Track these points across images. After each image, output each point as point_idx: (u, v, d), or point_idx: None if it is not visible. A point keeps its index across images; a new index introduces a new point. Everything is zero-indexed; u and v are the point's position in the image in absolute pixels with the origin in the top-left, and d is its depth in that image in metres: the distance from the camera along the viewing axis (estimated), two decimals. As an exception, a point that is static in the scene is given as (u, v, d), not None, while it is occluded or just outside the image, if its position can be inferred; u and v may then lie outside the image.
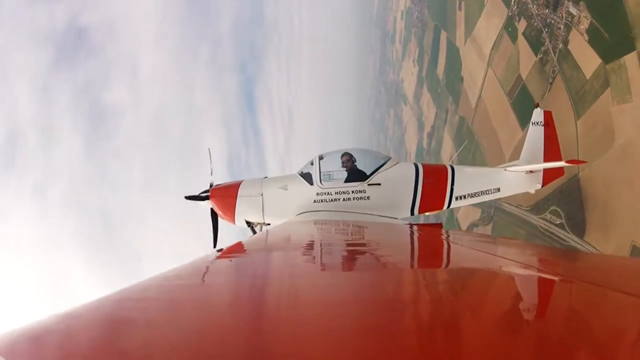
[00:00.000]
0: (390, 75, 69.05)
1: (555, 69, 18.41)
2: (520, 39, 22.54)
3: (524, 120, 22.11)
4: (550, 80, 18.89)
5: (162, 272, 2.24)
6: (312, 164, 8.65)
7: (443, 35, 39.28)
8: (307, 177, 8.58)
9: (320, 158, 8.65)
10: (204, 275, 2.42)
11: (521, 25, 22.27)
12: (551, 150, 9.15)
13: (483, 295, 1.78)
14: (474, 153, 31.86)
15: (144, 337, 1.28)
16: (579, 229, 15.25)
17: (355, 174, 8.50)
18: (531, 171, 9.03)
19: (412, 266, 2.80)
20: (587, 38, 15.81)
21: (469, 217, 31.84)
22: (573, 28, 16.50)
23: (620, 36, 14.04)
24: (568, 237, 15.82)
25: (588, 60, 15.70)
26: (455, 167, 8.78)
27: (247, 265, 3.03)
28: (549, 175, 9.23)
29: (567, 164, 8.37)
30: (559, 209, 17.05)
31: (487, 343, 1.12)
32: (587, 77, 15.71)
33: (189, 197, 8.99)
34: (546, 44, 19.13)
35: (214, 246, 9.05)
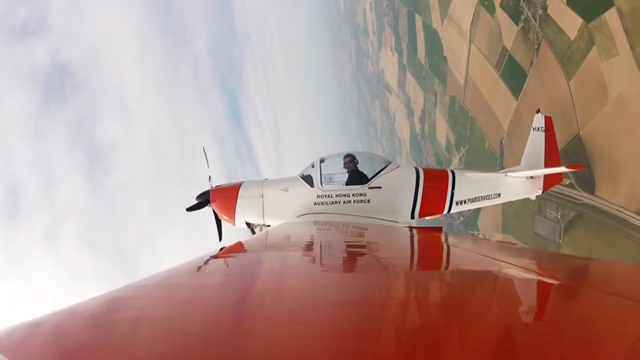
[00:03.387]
0: (369, 67, 69.89)
1: (538, 35, 19.45)
2: (499, 10, 23.57)
3: (516, 89, 23.15)
4: (536, 47, 19.91)
5: (162, 271, 2.36)
6: (313, 166, 8.97)
7: (418, 19, 40.30)
8: (308, 179, 8.88)
9: (322, 161, 8.96)
10: (203, 275, 2.52)
11: (497, -3, 23.36)
12: (552, 155, 9.45)
13: (481, 297, 1.89)
14: (471, 129, 32.80)
15: (144, 335, 1.36)
16: (589, 185, 16.24)
17: (356, 177, 8.83)
18: (532, 177, 9.36)
19: (410, 268, 2.94)
20: (564, 1, 16.88)
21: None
22: (549, -8, 17.62)
23: (597, -7, 15.10)
24: (579, 196, 16.81)
25: (569, 21, 16.75)
26: (456, 172, 9.15)
27: (245, 265, 3.16)
28: (549, 181, 9.60)
29: (567, 170, 8.82)
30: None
31: (484, 344, 1.19)
32: (572, 39, 16.74)
33: (190, 209, 9.22)
34: (525, 12, 20.19)
35: (219, 240, 9.39)
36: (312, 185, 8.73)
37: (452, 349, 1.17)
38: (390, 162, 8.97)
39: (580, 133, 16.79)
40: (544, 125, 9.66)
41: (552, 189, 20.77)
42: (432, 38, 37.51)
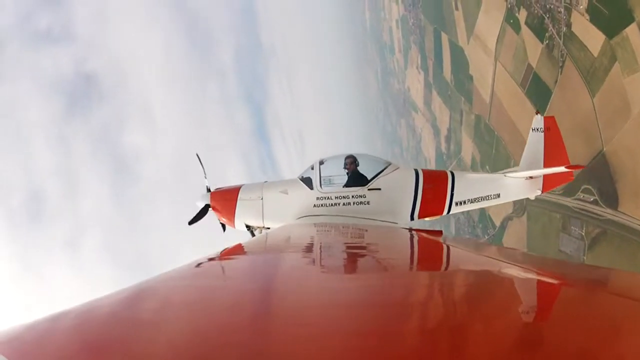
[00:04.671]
0: (395, 85, 70.31)
1: (563, 52, 19.78)
2: (524, 28, 23.96)
3: (541, 107, 23.33)
4: (561, 64, 20.23)
5: (163, 273, 2.41)
6: (312, 168, 9.05)
7: (444, 37, 40.76)
8: (308, 181, 8.96)
9: (321, 163, 9.06)
10: (202, 277, 2.58)
11: (522, 15, 23.74)
12: (553, 155, 9.49)
13: (479, 299, 1.92)
14: (496, 148, 32.93)
15: (144, 336, 1.38)
16: (612, 201, 16.40)
17: (355, 179, 8.91)
18: (531, 177, 9.45)
19: (410, 269, 3.03)
20: (588, 17, 17.27)
21: (502, 212, 32.56)
22: (573, 10, 18.01)
23: (619, 10, 15.44)
24: (603, 212, 16.96)
25: (593, 38, 17.11)
26: (456, 173, 9.27)
27: (245, 267, 3.26)
28: (554, 181, 9.69)
29: (566, 169, 8.87)
30: (590, 187, 18.21)
31: (484, 346, 1.21)
32: (595, 55, 17.08)
33: (192, 222, 9.31)
34: (550, 29, 20.57)
35: (224, 230, 9.55)
36: (311, 188, 8.85)
37: (455, 349, 1.21)
38: (390, 164, 9.08)
39: (604, 149, 17.01)
40: (542, 126, 9.77)
41: (575, 206, 21.05)
42: (458, 56, 37.88)
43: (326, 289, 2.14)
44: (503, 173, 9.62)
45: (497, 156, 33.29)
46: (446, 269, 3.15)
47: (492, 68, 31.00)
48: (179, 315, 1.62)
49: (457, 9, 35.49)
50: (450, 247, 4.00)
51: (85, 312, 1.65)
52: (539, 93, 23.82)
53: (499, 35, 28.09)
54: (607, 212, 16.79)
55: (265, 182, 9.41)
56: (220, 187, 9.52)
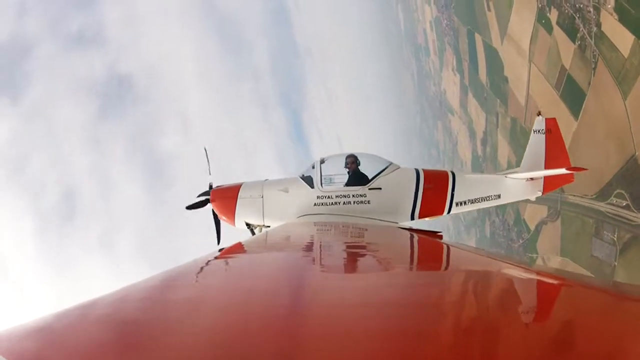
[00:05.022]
0: (431, 88, 69.78)
1: (595, 53, 19.39)
2: (556, 29, 23.57)
3: (576, 110, 22.91)
4: (593, 66, 19.83)
5: (162, 272, 2.40)
6: (313, 167, 9.08)
7: (478, 38, 40.30)
8: (308, 180, 8.98)
9: (322, 162, 9.09)
10: (202, 276, 2.58)
11: (553, 15, 23.37)
12: (554, 157, 9.48)
13: (479, 299, 1.94)
14: (532, 152, 32.30)
15: (143, 336, 1.37)
16: (645, 206, 15.99)
17: (356, 178, 8.96)
18: (532, 178, 9.47)
19: (410, 269, 3.04)
20: (617, 17, 16.89)
21: (537, 216, 32.02)
22: (601, 9, 17.63)
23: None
24: (635, 217, 16.54)
25: (623, 38, 16.73)
26: (456, 173, 9.23)
27: (245, 266, 3.24)
28: (555, 182, 9.76)
29: (567, 171, 8.90)
30: (623, 191, 17.78)
31: (485, 347, 1.23)
32: (626, 56, 16.71)
33: (189, 207, 9.34)
34: (581, 29, 20.18)
35: (218, 243, 9.45)
36: (312, 186, 8.87)
37: (455, 350, 1.21)
38: (390, 163, 9.10)
39: (636, 154, 16.60)
40: (544, 128, 9.71)
41: (609, 210, 20.55)
42: (493, 57, 37.41)
43: (325, 288, 2.14)
44: (504, 174, 9.65)
45: (533, 160, 32.67)
46: (446, 268, 3.18)
47: (526, 70, 30.51)
48: (178, 315, 1.61)
49: (489, 9, 35.10)
50: (451, 248, 4.01)
51: (85, 311, 1.66)
52: (573, 95, 23.39)
53: (532, 36, 27.67)
54: (639, 217, 16.37)
55: (266, 180, 9.43)
56: (220, 184, 9.51)
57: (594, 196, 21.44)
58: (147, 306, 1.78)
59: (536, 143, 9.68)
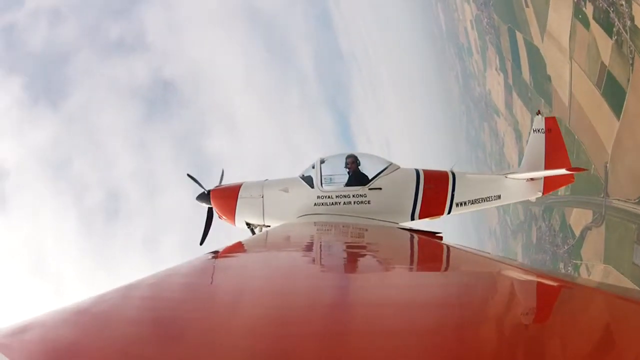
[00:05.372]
0: (476, 89, 68.34)
1: (631, 48, 18.30)
2: (592, 24, 22.48)
3: (617, 108, 21.72)
4: (631, 62, 18.74)
5: (161, 271, 2.40)
6: (313, 167, 9.11)
7: (519, 36, 39.09)
8: (308, 180, 9.02)
9: (322, 161, 9.12)
10: (202, 275, 2.59)
11: (589, 10, 22.29)
12: (554, 157, 9.42)
13: (479, 300, 1.93)
14: (577, 153, 31.05)
15: (144, 334, 1.37)
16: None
17: (356, 178, 8.98)
18: (532, 179, 9.40)
19: (410, 269, 3.05)
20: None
21: (582, 221, 30.78)
22: (633, 2, 16.57)
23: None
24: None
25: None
26: (457, 174, 9.21)
27: (245, 265, 3.24)
28: (555, 183, 9.67)
29: (567, 172, 8.78)
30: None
31: (486, 346, 1.22)
32: (661, 51, 15.63)
33: (190, 175, 9.60)
34: (616, 24, 19.09)
35: (201, 244, 9.47)
36: (312, 186, 8.90)
37: (455, 350, 1.20)
38: (390, 163, 9.10)
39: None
40: (544, 127, 9.68)
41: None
42: (534, 56, 36.21)
43: (323, 288, 2.13)
44: (504, 174, 9.61)
45: (578, 162, 31.32)
46: (446, 269, 3.20)
47: (567, 67, 29.34)
48: (177, 314, 1.61)
49: (527, 5, 33.99)
50: (450, 248, 3.99)
51: (85, 309, 1.65)
52: (613, 93, 22.29)
53: (570, 32, 26.49)
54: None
55: (267, 180, 9.43)
56: (220, 184, 9.61)
57: (637, 200, 20.27)
58: (148, 304, 1.77)
59: (536, 143, 9.70)
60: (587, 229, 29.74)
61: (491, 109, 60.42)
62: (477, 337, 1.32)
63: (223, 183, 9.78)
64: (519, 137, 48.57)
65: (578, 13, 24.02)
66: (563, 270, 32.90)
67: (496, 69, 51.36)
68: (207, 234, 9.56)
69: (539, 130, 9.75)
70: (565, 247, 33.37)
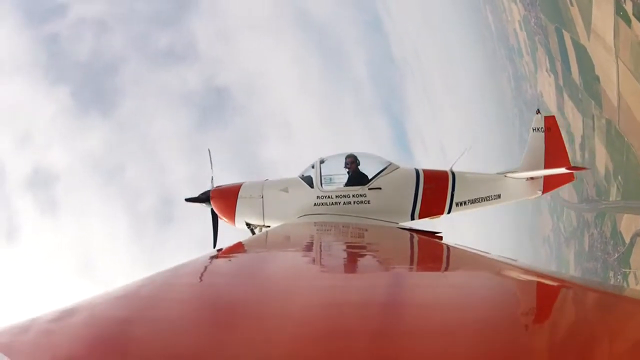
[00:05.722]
0: (528, 91, 66.60)
1: (670, 45, 17.44)
2: (633, 20, 21.59)
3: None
4: (671, 59, 17.84)
5: (161, 271, 2.40)
6: (313, 167, 9.10)
7: (566, 36, 37.90)
8: (308, 180, 9.01)
9: (322, 161, 9.12)
10: (202, 275, 2.58)
11: (628, 6, 21.49)
12: (553, 156, 9.38)
13: (476, 299, 1.91)
14: (627, 155, 29.83)
15: (144, 335, 1.37)
16: None
17: (356, 178, 8.97)
18: (532, 178, 9.40)
19: (410, 269, 3.04)
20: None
21: (632, 228, 29.58)
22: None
23: None
24: None
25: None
26: (456, 173, 9.15)
27: (245, 265, 3.25)
28: (555, 182, 9.67)
29: (567, 171, 8.79)
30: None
31: (475, 348, 1.21)
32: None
33: (188, 200, 9.48)
34: (654, 20, 18.25)
35: (214, 246, 9.43)
36: (312, 186, 8.90)
37: (455, 350, 1.20)
38: (390, 163, 9.08)
39: None
40: (543, 126, 9.63)
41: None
42: (582, 55, 35.01)
43: (323, 288, 2.14)
44: (503, 174, 9.56)
45: (627, 165, 30.14)
46: (446, 269, 3.22)
47: (614, 67, 28.28)
48: (176, 314, 1.63)
49: (572, 4, 32.94)
50: (450, 248, 4.00)
51: (85, 310, 1.67)
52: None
53: (614, 29, 25.47)
54: None
55: (266, 180, 9.45)
56: (220, 185, 9.55)
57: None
58: (148, 305, 1.78)
59: (535, 142, 9.66)
60: (637, 235, 28.54)
61: (543, 111, 58.60)
62: (477, 336, 1.30)
63: (221, 183, 9.69)
64: (571, 139, 46.86)
65: (619, 10, 23.14)
66: (613, 280, 31.66)
67: (547, 70, 49.92)
68: (217, 235, 9.58)
69: (538, 130, 9.69)
70: (616, 255, 32.06)
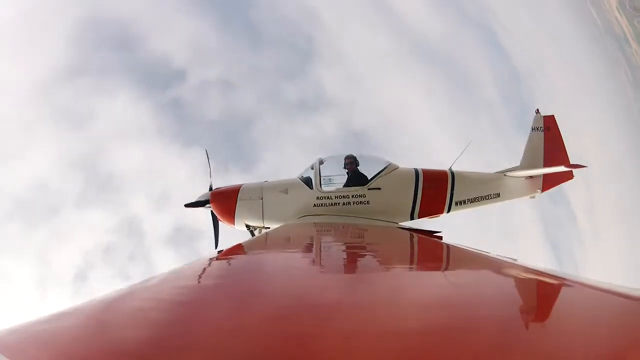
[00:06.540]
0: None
1: None
2: None
3: None
4: None
5: (162, 273, 2.55)
6: (312, 168, 9.11)
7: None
8: (307, 181, 9.01)
9: (321, 162, 9.16)
10: (202, 277, 2.69)
11: None
12: (553, 154, 9.55)
13: (476, 299, 1.97)
14: None
15: (144, 336, 1.44)
16: None
17: (355, 178, 9.02)
18: (531, 176, 9.59)
19: (410, 269, 3.21)
20: None
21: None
22: None
23: None
24: None
25: None
26: (456, 172, 9.29)
27: (245, 267, 3.39)
28: (554, 180, 9.74)
29: (566, 169, 8.94)
30: None
31: (485, 346, 1.27)
32: None
33: (188, 205, 9.43)
34: None
35: (215, 247, 9.37)
36: (311, 187, 8.94)
37: (454, 350, 1.24)
38: (389, 163, 9.17)
39: None
40: (542, 125, 9.84)
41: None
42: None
43: (324, 289, 2.21)
44: (503, 172, 9.76)
45: None
46: (446, 268, 3.33)
47: None
48: (176, 315, 1.69)
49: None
50: (450, 247, 4.06)
51: (85, 311, 1.73)
52: None
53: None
54: None
55: (266, 181, 9.50)
56: (220, 187, 9.58)
57: None
58: (148, 306, 1.84)
59: (534, 141, 9.87)
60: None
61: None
62: (477, 336, 1.35)
63: (221, 184, 9.79)
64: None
65: None
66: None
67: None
68: (218, 237, 9.64)
69: (537, 129, 9.86)
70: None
